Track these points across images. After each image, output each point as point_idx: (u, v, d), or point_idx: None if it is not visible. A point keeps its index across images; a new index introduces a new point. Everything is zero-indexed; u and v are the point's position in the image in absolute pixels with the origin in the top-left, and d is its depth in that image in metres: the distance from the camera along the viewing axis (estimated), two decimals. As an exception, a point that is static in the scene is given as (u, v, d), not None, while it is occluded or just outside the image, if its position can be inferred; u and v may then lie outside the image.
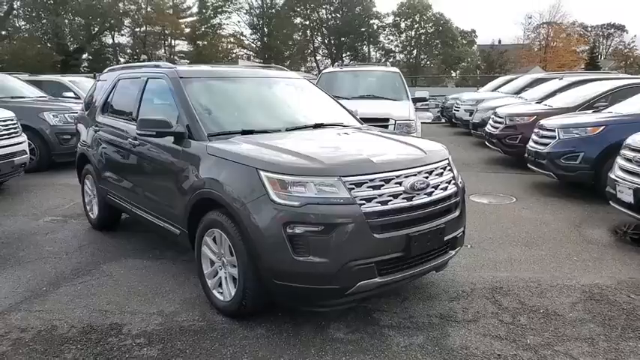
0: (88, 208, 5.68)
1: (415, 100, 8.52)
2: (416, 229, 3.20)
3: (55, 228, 5.62)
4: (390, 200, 3.14)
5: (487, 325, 3.34)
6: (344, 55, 54.76)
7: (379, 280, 3.12)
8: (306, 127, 4.10)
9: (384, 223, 3.10)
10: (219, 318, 3.44)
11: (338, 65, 10.09)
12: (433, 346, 3.09)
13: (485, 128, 10.35)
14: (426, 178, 3.36)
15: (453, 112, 15.55)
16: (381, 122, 7.02)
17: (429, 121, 20.68)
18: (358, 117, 6.78)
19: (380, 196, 3.11)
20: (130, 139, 4.42)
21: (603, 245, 4.96)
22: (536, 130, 7.60)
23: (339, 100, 7.92)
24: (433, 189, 3.39)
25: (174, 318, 3.46)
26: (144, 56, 47.08)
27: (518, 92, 13.37)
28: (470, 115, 13.23)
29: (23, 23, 44.38)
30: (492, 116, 10.22)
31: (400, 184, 3.21)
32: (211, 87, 4.27)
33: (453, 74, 56.91)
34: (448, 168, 3.65)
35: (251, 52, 51.39)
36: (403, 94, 8.44)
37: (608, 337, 3.18)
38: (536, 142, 7.44)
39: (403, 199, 3.20)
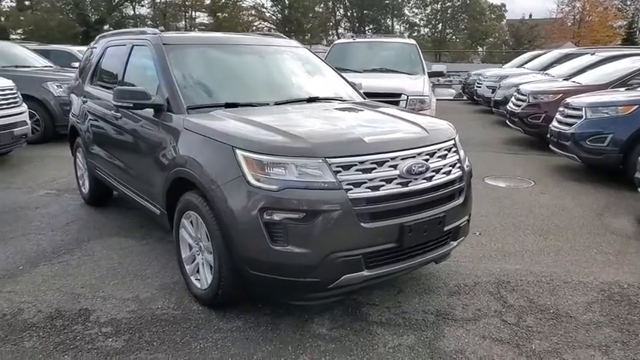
0: (80, 182, 5.47)
1: (431, 75, 8.03)
2: (411, 218, 2.86)
3: (47, 202, 5.43)
4: (383, 185, 2.79)
5: (488, 326, 3.00)
6: (367, 29, 53.48)
7: (367, 274, 2.80)
8: (298, 101, 3.74)
9: (374, 211, 2.76)
10: (195, 307, 3.18)
11: (351, 37, 9.59)
12: (424, 348, 2.78)
13: (507, 106, 9.79)
14: (426, 160, 2.99)
15: (475, 88, 14.89)
16: (392, 98, 6.62)
17: (451, 98, 20.05)
18: (369, 91, 6.40)
19: (371, 180, 2.76)
20: (112, 111, 4.13)
21: (627, 237, 4.53)
22: (561, 108, 7.07)
23: (349, 73, 7.55)
24: (434, 173, 3.02)
25: (148, 305, 3.21)
26: (162, 27, 46.79)
27: (545, 69, 12.64)
28: (492, 93, 12.61)
29: (45, -6, 44.36)
30: (515, 93, 9.65)
31: (395, 167, 2.85)
32: (197, 55, 3.93)
33: (480, 50, 55.15)
34: (454, 149, 3.26)
35: (272, 25, 50.51)
36: (419, 67, 7.95)
37: (626, 345, 2.81)
38: (560, 122, 6.93)
39: (398, 184, 2.84)
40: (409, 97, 6.65)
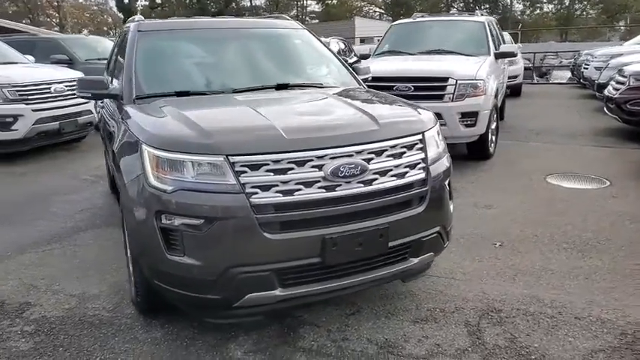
0: (109, 171, 5.61)
1: (499, 56, 7.04)
2: (336, 230, 2.36)
3: (79, 188, 5.66)
4: (299, 190, 2.33)
5: (437, 370, 2.41)
6: (482, 8, 49.99)
7: (280, 294, 2.38)
8: (264, 89, 3.34)
9: (286, 220, 2.32)
10: (129, 310, 2.99)
11: (421, 16, 8.78)
12: (338, 390, 2.29)
13: (606, 90, 8.32)
14: (368, 160, 2.45)
15: (582, 70, 13.01)
16: (437, 82, 5.90)
17: (564, 81, 17.84)
18: (410, 75, 5.78)
19: (284, 183, 2.32)
20: (108, 101, 4.08)
21: (700, 261, 3.48)
22: None
23: (400, 56, 6.90)
24: (377, 176, 2.48)
25: (87, 304, 3.09)
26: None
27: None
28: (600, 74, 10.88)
29: (172, -11, 48.07)
30: (616, 75, 8.17)
31: (320, 167, 2.36)
32: (168, 42, 3.70)
33: (619, 26, 48.63)
34: (418, 146, 2.66)
35: (380, 9, 49.42)
36: (484, 48, 7.00)
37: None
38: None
39: (321, 188, 2.36)
40: (458, 82, 5.84)
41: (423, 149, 2.68)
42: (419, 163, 2.64)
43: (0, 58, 7.74)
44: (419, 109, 2.97)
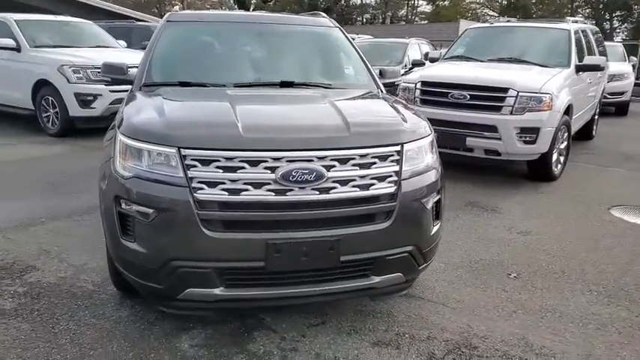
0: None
1: (580, 69, 6.35)
2: (281, 236, 2.28)
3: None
4: (246, 190, 2.27)
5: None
6: (614, 16, 45.57)
7: (220, 293, 2.35)
8: (267, 85, 3.31)
9: (229, 220, 2.28)
10: (111, 287, 3.12)
11: (507, 21, 8.19)
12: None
13: None
14: (328, 168, 2.33)
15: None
16: (496, 92, 5.49)
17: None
18: (468, 83, 5.48)
19: (232, 182, 2.27)
20: None
21: None
22: None
23: (468, 62, 6.51)
24: (336, 184, 2.34)
25: (80, 275, 3.28)
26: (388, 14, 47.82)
27: None
28: None
29: (285, -14, 49.75)
30: None
31: (273, 170, 2.28)
32: (191, 33, 3.78)
33: None
34: (392, 158, 2.48)
35: (496, 13, 46.94)
36: (563, 59, 6.34)
37: None
38: None
39: (270, 191, 2.28)
40: (519, 94, 5.36)
41: (399, 162, 2.48)
42: (390, 176, 2.45)
43: (93, 42, 8.49)
44: (411, 119, 2.76)
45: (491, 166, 6.21)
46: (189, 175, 2.27)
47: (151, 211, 2.30)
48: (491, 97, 5.49)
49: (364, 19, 49.54)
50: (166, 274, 2.33)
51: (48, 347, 2.51)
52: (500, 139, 5.43)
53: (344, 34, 4.01)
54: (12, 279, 3.22)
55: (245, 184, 2.27)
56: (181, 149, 2.30)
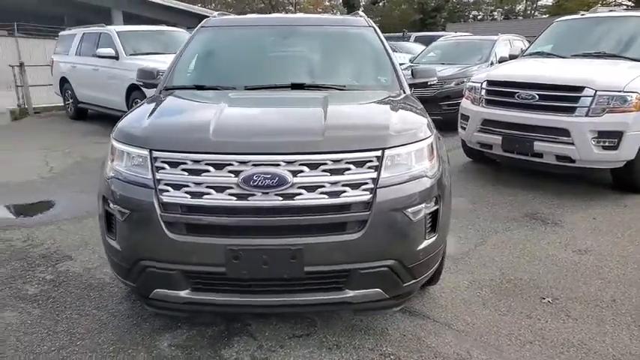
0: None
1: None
2: (241, 242, 2.21)
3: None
4: (208, 193, 2.24)
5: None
6: None
7: (185, 295, 2.34)
8: (278, 87, 3.24)
9: (192, 223, 2.26)
10: (125, 281, 3.28)
11: (604, 10, 7.22)
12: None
13: None
14: (294, 173, 2.22)
15: None
16: (569, 92, 4.90)
17: None
18: (539, 82, 5.05)
19: (196, 184, 2.25)
20: None
21: None
22: None
23: (550, 59, 5.90)
24: (302, 190, 2.22)
25: (104, 268, 3.44)
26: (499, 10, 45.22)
27: None
28: None
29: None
30: None
31: (237, 174, 2.23)
32: (221, 37, 3.82)
33: None
34: (370, 164, 2.29)
35: (632, 3, 42.01)
36: (666, 51, 5.46)
37: None
38: None
39: (231, 195, 2.22)
40: (597, 93, 4.70)
41: (377, 169, 2.28)
42: (365, 183, 2.26)
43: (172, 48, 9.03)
44: (405, 123, 2.53)
45: (572, 174, 5.53)
46: (157, 177, 2.29)
47: (124, 210, 2.36)
48: (562, 96, 4.89)
49: (476, 16, 47.39)
50: (137, 272, 2.37)
51: (44, 334, 2.70)
52: (572, 143, 4.81)
53: (377, 33, 3.81)
54: (46, 266, 3.51)
55: (208, 187, 2.24)
56: (152, 151, 2.33)
